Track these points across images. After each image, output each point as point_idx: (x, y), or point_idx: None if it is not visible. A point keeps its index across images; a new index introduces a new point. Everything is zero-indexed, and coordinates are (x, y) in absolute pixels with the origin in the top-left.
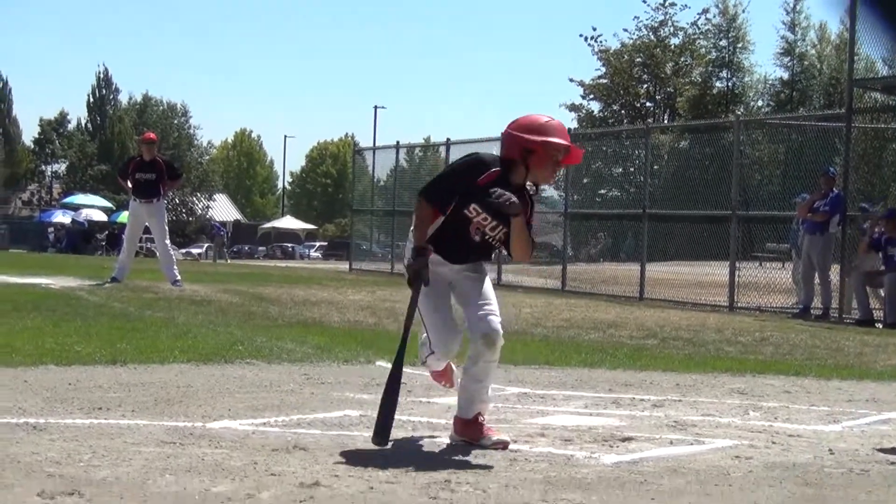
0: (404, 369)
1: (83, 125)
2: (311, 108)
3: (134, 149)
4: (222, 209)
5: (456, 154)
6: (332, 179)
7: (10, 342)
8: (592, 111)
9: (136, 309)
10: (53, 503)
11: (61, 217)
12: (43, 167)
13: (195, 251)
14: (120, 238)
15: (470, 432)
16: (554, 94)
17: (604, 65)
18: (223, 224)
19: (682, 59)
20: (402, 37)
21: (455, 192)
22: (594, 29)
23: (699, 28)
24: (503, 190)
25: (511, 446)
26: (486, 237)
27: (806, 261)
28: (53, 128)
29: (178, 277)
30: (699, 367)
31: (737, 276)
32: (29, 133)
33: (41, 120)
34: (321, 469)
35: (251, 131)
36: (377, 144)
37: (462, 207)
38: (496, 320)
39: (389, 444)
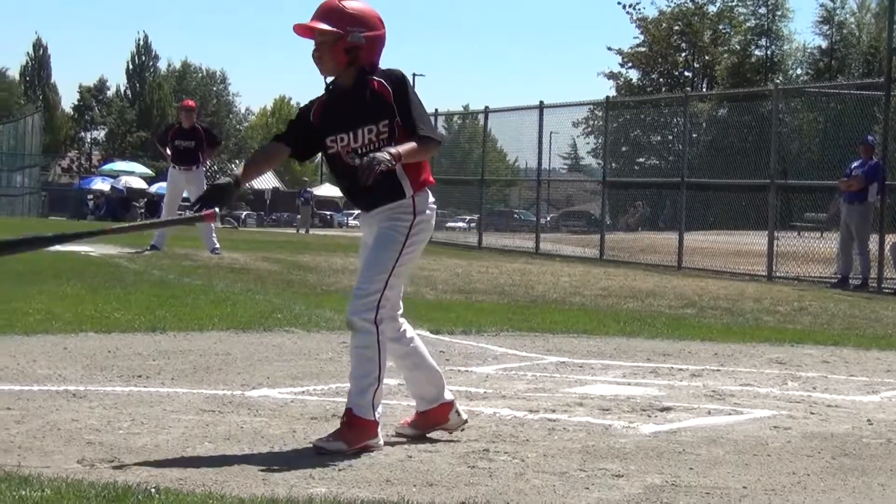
0: (442, 338)
1: (122, 92)
2: None
3: (173, 116)
4: (261, 177)
5: (495, 121)
6: None
7: (50, 309)
8: (631, 79)
9: (175, 276)
10: (93, 470)
11: (100, 184)
12: (82, 134)
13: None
14: (159, 205)
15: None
16: (592, 61)
17: (642, 33)
18: (311, 190)
19: (721, 26)
20: (441, 4)
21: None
22: None
23: None
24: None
25: (549, 415)
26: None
27: (844, 230)
28: (93, 94)
29: (217, 245)
30: (737, 337)
31: (775, 246)
32: (68, 100)
33: (80, 86)
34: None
35: (290, 98)
36: None
37: (325, 149)
38: (352, 306)
39: None
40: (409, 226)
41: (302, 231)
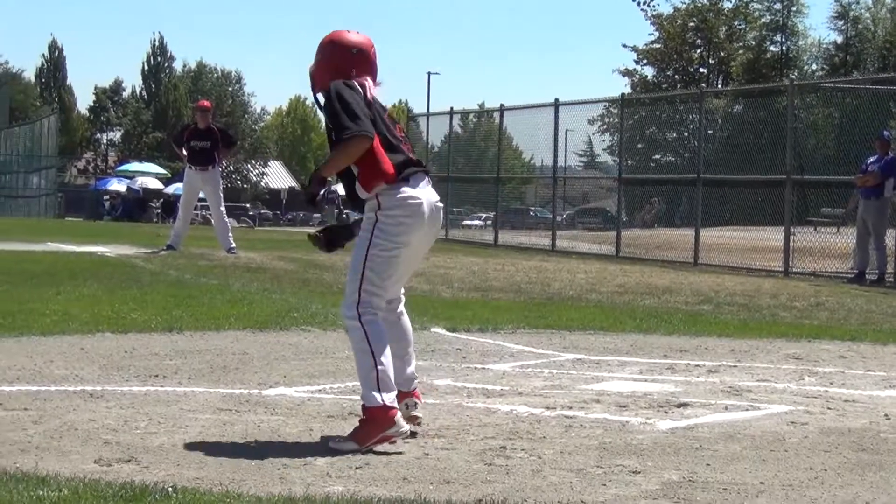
0: (459, 335)
1: (138, 93)
2: None
3: (189, 116)
4: (277, 176)
5: (510, 119)
6: None
7: (67, 310)
8: (646, 76)
9: (192, 276)
10: (110, 470)
11: (116, 185)
12: (98, 135)
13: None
14: (175, 206)
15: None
16: (607, 59)
17: (657, 30)
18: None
19: (736, 22)
20: (455, 2)
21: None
22: None
23: None
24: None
25: (566, 412)
26: None
27: (861, 225)
28: (108, 96)
29: (233, 245)
30: (754, 333)
31: (792, 241)
32: (84, 101)
33: (96, 88)
34: None
35: (305, 98)
36: (431, 111)
37: None
38: (341, 308)
39: None
40: (372, 224)
41: None
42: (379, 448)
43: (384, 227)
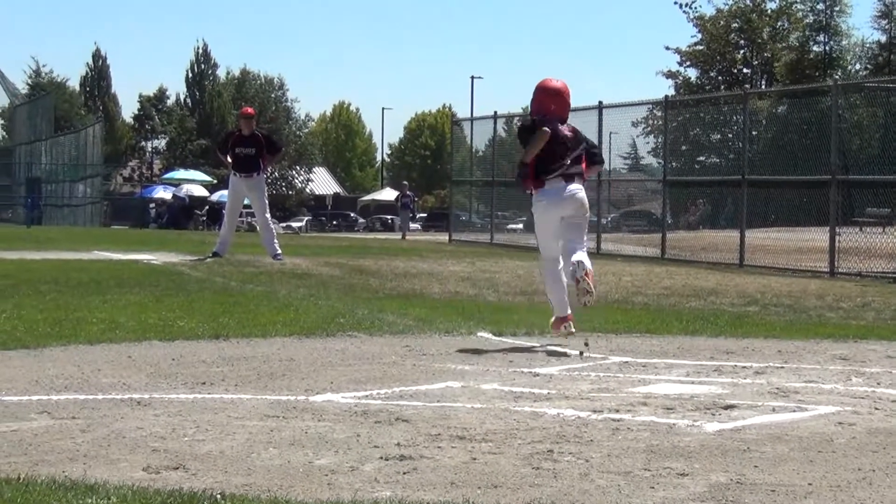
0: (505, 339)
1: (182, 100)
2: (409, 79)
3: (233, 123)
4: (322, 182)
5: None
6: (431, 151)
7: (114, 318)
8: (689, 78)
9: (238, 283)
10: (159, 477)
11: (162, 193)
12: (143, 143)
13: (295, 225)
14: (221, 213)
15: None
16: (650, 61)
17: (700, 31)
18: (411, 193)
19: (779, 23)
20: (498, 6)
21: None
22: None
23: None
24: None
25: (613, 415)
26: None
27: None
28: (153, 104)
29: (279, 251)
30: (801, 334)
31: (837, 242)
32: (129, 109)
33: (140, 96)
34: (424, 440)
35: (349, 104)
36: (475, 115)
37: None
38: None
39: None
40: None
41: (400, 235)
42: (427, 452)
43: (534, 211)
